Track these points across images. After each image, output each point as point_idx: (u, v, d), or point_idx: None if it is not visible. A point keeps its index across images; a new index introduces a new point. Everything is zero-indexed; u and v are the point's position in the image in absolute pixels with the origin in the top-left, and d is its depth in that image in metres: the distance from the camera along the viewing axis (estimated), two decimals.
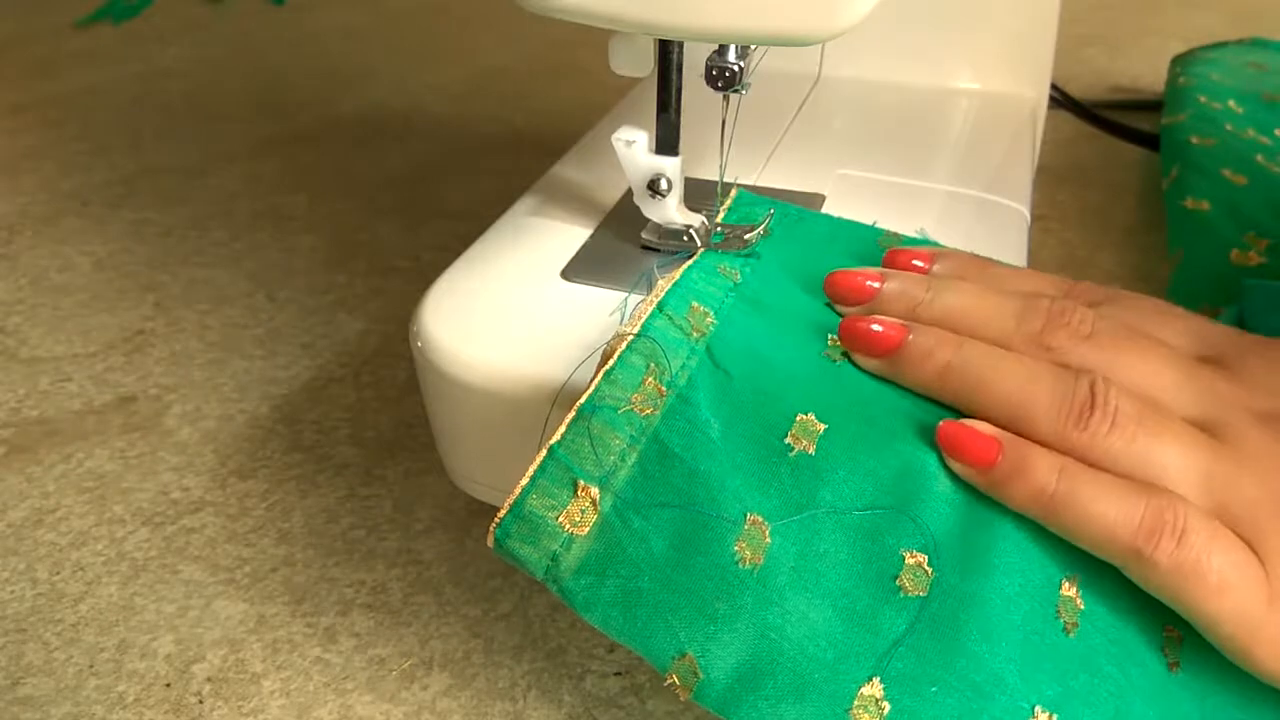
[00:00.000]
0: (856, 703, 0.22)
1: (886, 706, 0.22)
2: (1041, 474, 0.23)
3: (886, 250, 0.31)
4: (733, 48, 0.30)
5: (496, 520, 0.24)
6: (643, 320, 0.27)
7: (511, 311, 0.31)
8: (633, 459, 0.25)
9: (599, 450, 0.25)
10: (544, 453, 0.25)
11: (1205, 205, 0.49)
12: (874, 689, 0.22)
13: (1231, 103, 0.60)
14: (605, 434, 0.25)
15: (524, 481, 0.24)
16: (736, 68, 0.30)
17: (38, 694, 0.31)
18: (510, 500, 0.24)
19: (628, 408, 0.25)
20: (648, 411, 0.26)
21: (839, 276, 0.30)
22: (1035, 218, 0.40)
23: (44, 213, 0.60)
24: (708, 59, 0.30)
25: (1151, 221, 0.56)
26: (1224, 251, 0.46)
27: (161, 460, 0.41)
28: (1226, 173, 0.51)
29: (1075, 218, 0.57)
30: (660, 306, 0.28)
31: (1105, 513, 0.22)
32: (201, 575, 0.36)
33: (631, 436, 0.25)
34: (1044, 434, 0.24)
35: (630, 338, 0.27)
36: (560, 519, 0.24)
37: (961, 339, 0.26)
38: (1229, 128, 0.56)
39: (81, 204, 0.61)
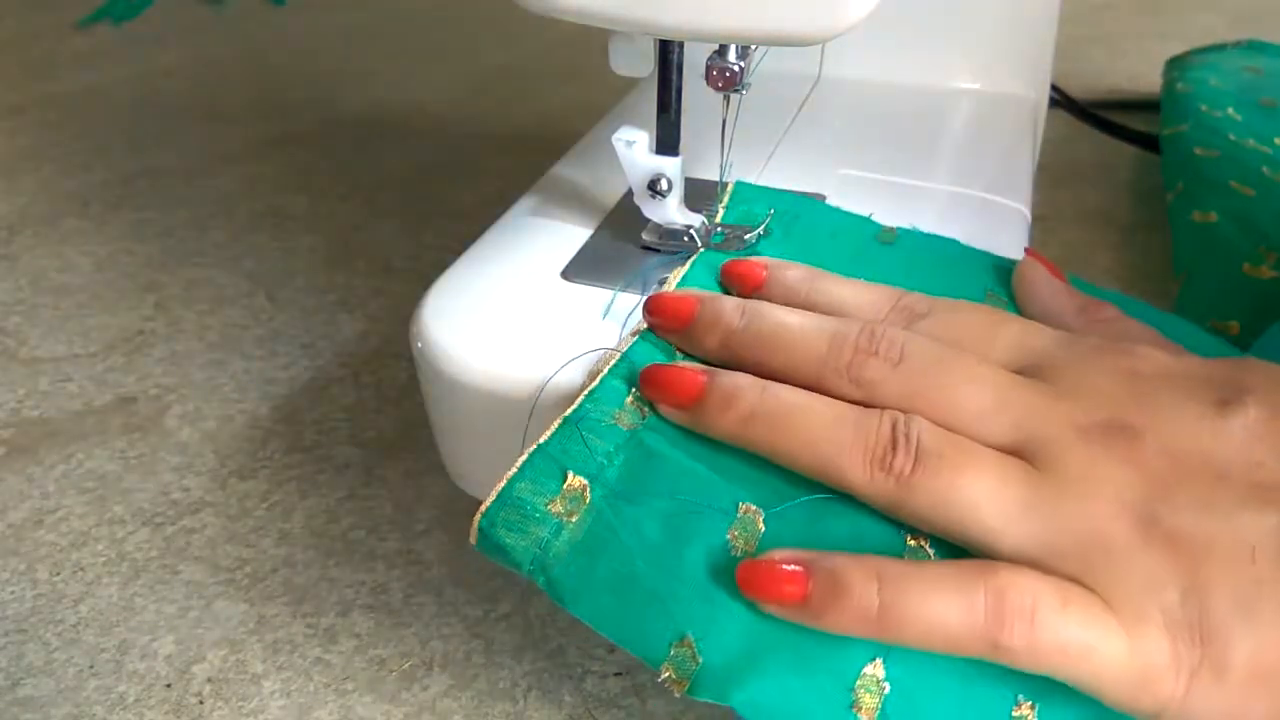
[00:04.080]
0: (859, 681, 0.22)
1: (887, 687, 0.22)
2: (858, 591, 0.21)
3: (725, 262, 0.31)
4: (733, 48, 0.30)
5: (481, 510, 0.24)
6: (630, 344, 0.28)
7: (511, 312, 0.31)
8: (620, 459, 0.25)
9: (587, 447, 0.25)
10: (532, 448, 0.25)
11: (1213, 217, 0.49)
12: (875, 669, 0.22)
13: (1230, 110, 0.60)
14: (591, 438, 0.25)
15: (512, 472, 0.25)
16: (737, 68, 0.30)
17: (38, 694, 0.31)
18: (497, 489, 0.24)
19: (612, 422, 0.26)
20: (632, 425, 0.26)
21: (656, 298, 0.28)
22: (1035, 218, 0.40)
23: (44, 213, 0.60)
24: (708, 59, 0.30)
25: (1151, 222, 0.56)
26: (1236, 264, 0.45)
27: (161, 461, 0.41)
28: (1234, 184, 0.51)
29: (1075, 218, 0.57)
30: (643, 334, 0.28)
31: (943, 617, 0.21)
32: (202, 576, 0.36)
33: (617, 443, 0.26)
34: (854, 481, 0.24)
35: (614, 361, 0.27)
36: (550, 505, 0.24)
37: (764, 384, 0.25)
38: (1231, 137, 0.56)
39: (81, 204, 0.61)
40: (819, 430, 0.24)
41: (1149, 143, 0.62)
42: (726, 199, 0.35)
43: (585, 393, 0.26)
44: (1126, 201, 0.59)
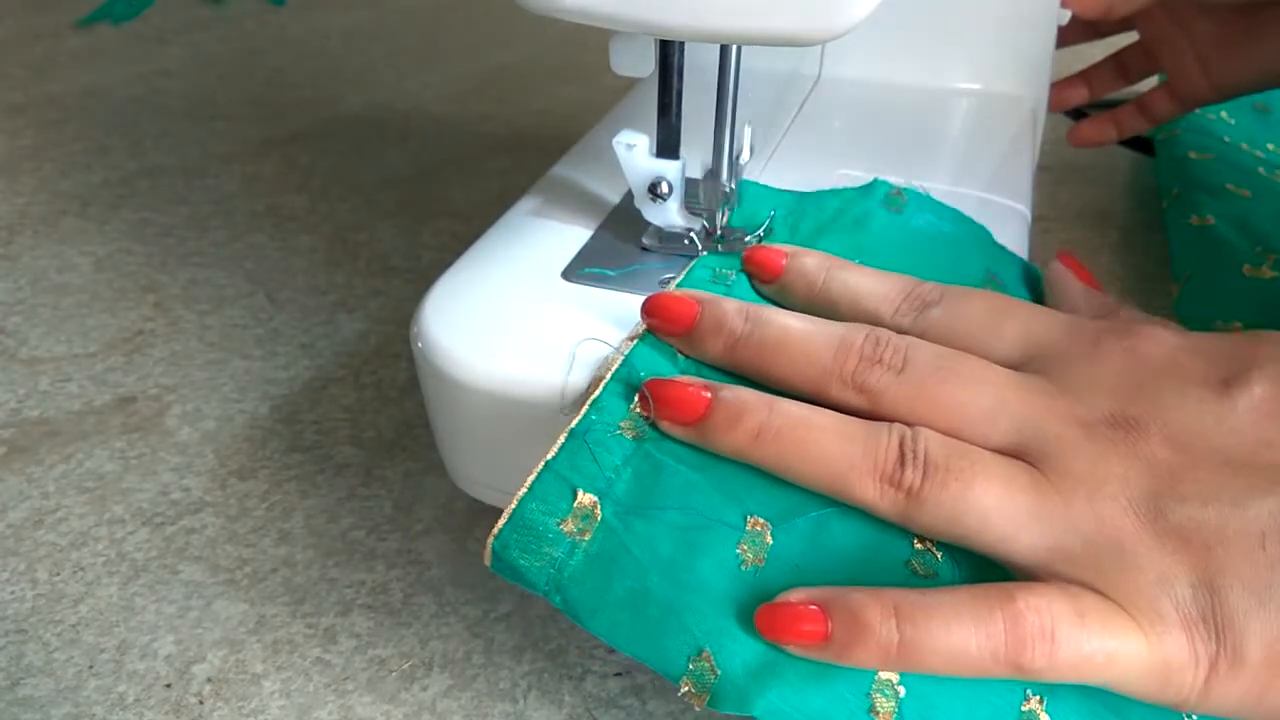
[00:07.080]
0: (875, 686, 0.22)
1: (902, 690, 0.22)
2: (878, 628, 0.21)
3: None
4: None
5: (494, 533, 0.24)
6: (630, 349, 0.28)
7: (512, 312, 0.31)
8: (628, 473, 0.25)
9: (596, 463, 0.25)
10: (540, 466, 0.25)
11: (1210, 220, 0.48)
12: (890, 674, 0.22)
13: (1224, 113, 0.60)
14: (599, 451, 0.25)
15: (522, 492, 0.24)
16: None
17: (38, 695, 0.31)
18: (508, 511, 0.24)
19: (618, 432, 0.26)
20: (638, 435, 0.26)
21: (654, 300, 0.28)
22: (1035, 218, 0.40)
23: (44, 213, 0.60)
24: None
25: (1151, 222, 0.56)
26: (1236, 265, 0.45)
27: (161, 460, 0.41)
28: (1230, 187, 0.51)
29: (1075, 218, 0.57)
30: (644, 336, 0.28)
31: (964, 646, 0.21)
32: (201, 576, 0.36)
33: (624, 455, 0.25)
34: (865, 498, 0.24)
35: (616, 366, 0.27)
36: (562, 525, 0.24)
37: (771, 401, 0.25)
38: (1226, 140, 0.56)
39: (81, 204, 0.61)
40: (828, 447, 0.24)
41: (1144, 145, 0.62)
42: (734, 201, 0.35)
43: (589, 403, 0.26)
44: (1126, 201, 0.59)
